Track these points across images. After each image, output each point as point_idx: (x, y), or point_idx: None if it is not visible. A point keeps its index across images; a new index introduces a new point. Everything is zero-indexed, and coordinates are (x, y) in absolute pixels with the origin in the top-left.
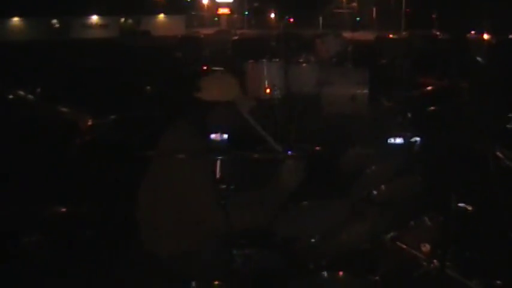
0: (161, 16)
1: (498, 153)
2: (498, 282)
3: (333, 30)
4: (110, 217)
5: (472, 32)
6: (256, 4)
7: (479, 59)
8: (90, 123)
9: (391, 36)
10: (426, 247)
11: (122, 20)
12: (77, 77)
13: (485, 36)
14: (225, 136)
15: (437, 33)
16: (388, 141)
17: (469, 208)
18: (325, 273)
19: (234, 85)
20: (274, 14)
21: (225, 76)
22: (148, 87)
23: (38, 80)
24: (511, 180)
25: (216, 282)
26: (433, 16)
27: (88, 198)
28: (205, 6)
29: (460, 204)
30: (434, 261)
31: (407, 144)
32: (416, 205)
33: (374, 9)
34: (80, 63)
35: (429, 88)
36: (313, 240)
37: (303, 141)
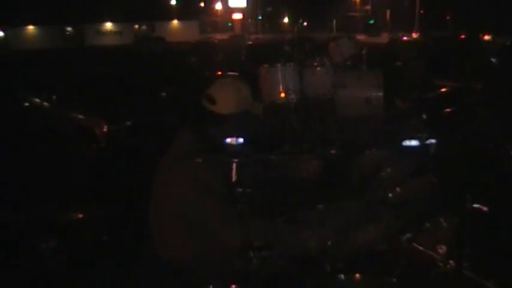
0: (175, 22)
1: None
2: None
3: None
4: (126, 221)
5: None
6: (269, 9)
7: (493, 59)
8: (105, 129)
9: (405, 38)
10: (442, 248)
11: (136, 26)
12: (91, 84)
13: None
14: (241, 140)
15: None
16: (403, 143)
17: (484, 208)
18: (342, 276)
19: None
20: (288, 18)
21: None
22: (163, 93)
23: (53, 88)
24: None
25: (233, 285)
26: (447, 17)
27: (104, 203)
28: (219, 11)
29: (475, 205)
30: (451, 261)
31: (422, 146)
32: (431, 206)
33: (388, 11)
34: (95, 70)
35: (444, 90)
36: (329, 242)
37: (318, 144)
